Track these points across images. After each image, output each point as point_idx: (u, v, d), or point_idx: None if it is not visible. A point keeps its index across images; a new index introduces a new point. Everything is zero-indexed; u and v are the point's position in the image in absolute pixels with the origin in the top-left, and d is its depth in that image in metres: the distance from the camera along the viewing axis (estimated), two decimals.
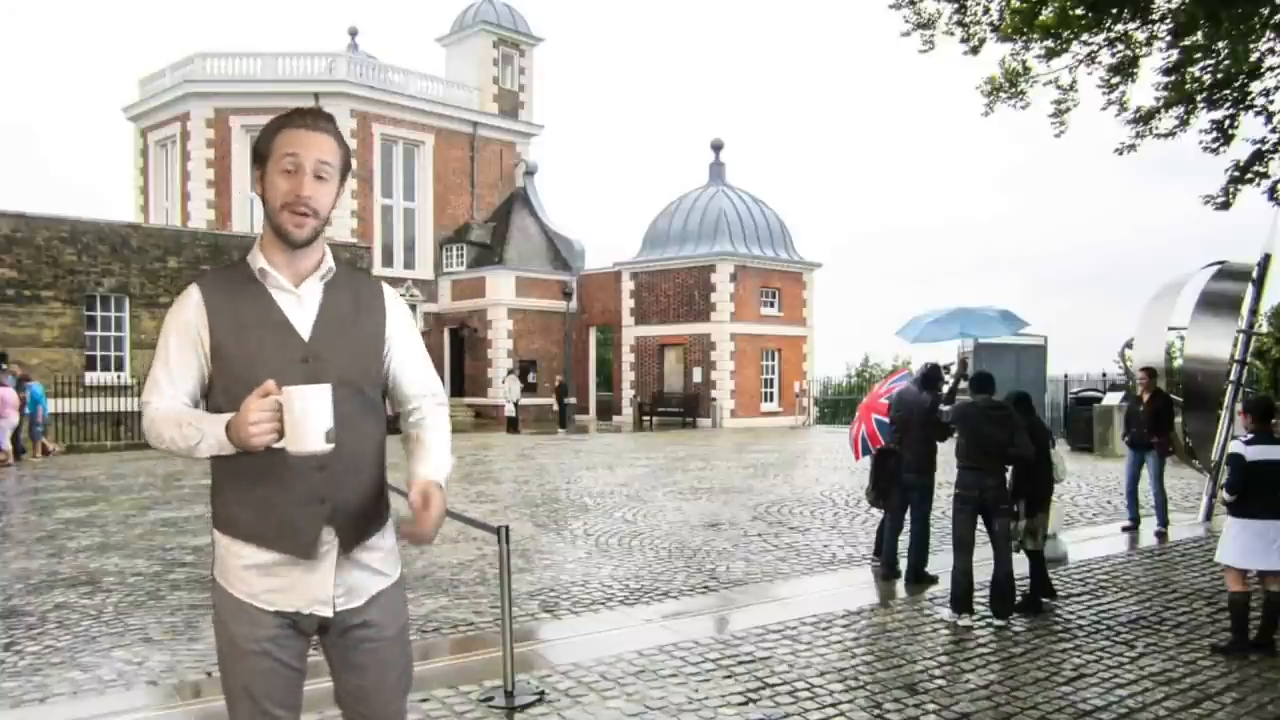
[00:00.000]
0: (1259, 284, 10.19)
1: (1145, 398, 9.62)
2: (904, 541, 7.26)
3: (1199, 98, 9.70)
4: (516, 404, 27.04)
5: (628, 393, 31.91)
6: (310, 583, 2.05)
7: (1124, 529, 9.47)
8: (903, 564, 7.20)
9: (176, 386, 2.04)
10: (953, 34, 9.72)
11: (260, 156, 2.06)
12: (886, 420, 7.48)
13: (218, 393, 2.04)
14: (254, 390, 1.89)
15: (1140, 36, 9.54)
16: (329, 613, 2.07)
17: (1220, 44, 8.93)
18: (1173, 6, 9.05)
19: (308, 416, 1.86)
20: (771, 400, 31.21)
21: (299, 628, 2.08)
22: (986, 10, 9.57)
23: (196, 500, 11.45)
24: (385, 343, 2.17)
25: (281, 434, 1.87)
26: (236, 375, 2.00)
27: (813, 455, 18.32)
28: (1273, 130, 9.68)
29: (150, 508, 10.86)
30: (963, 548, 6.07)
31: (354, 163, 31.17)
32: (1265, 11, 8.39)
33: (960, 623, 5.88)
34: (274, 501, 2.02)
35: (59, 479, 14.09)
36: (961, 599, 5.99)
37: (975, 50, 9.76)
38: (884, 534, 7.51)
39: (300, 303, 2.08)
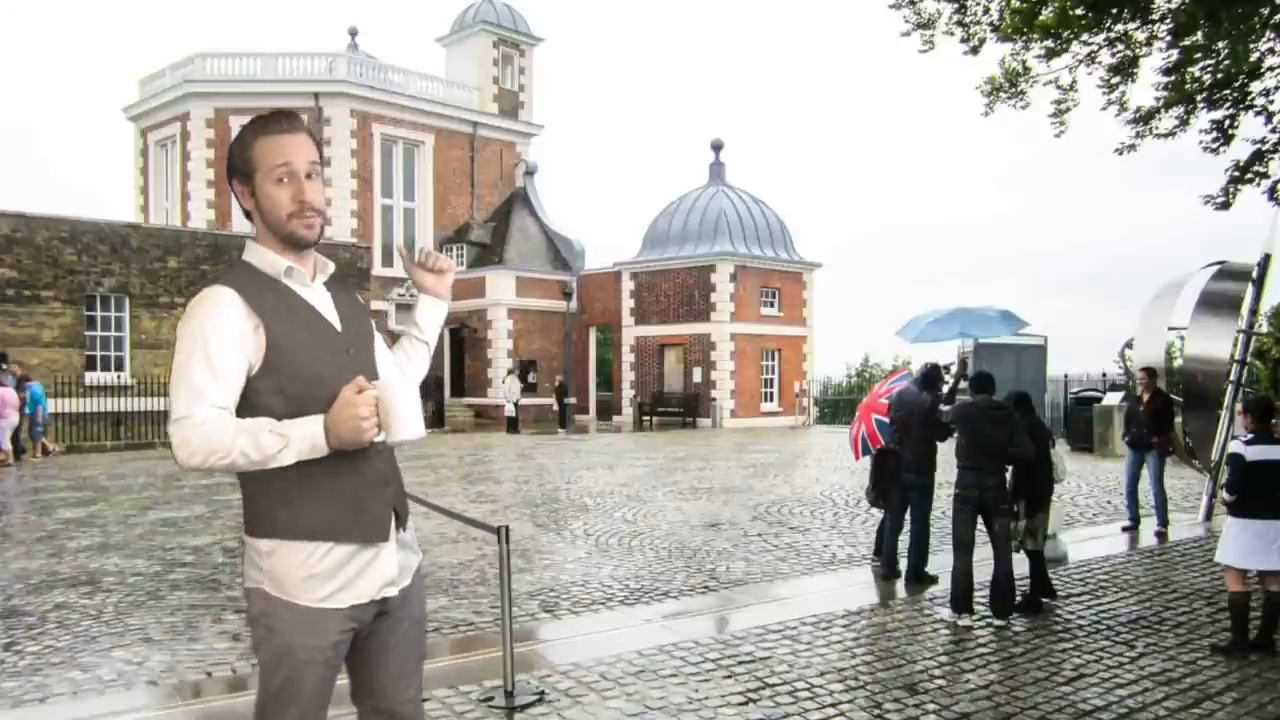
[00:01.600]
0: (1259, 284, 10.19)
1: (1145, 398, 9.62)
2: (904, 541, 7.26)
3: (1199, 98, 9.70)
4: (516, 404, 27.04)
5: (628, 393, 31.91)
6: (378, 567, 2.08)
7: (1124, 529, 9.47)
8: (903, 564, 7.20)
9: (226, 392, 1.92)
10: (953, 34, 9.73)
11: (244, 172, 2.05)
12: (886, 420, 7.48)
13: (268, 397, 1.96)
14: (318, 388, 1.96)
15: (1140, 36, 9.54)
16: (395, 592, 2.12)
17: (1220, 44, 8.94)
18: (1173, 6, 9.06)
19: (410, 406, 1.93)
20: (771, 400, 31.21)
21: (358, 624, 2.09)
22: (986, 10, 9.57)
23: (196, 500, 11.45)
24: (374, 336, 2.31)
25: (379, 427, 1.93)
26: (296, 373, 1.99)
27: (813, 455, 18.32)
28: (1273, 130, 9.68)
29: (150, 508, 10.86)
30: (963, 548, 6.07)
31: (354, 162, 31.24)
32: (1265, 11, 8.39)
33: (960, 623, 5.88)
34: (349, 491, 2.03)
35: (59, 479, 14.08)
36: (961, 599, 5.99)
37: (975, 50, 9.76)
38: (884, 534, 7.51)
39: (320, 297, 2.14)
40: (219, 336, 1.92)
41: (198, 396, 1.88)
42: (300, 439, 1.89)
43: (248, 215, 2.11)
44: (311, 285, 2.13)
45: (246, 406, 1.97)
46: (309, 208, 2.04)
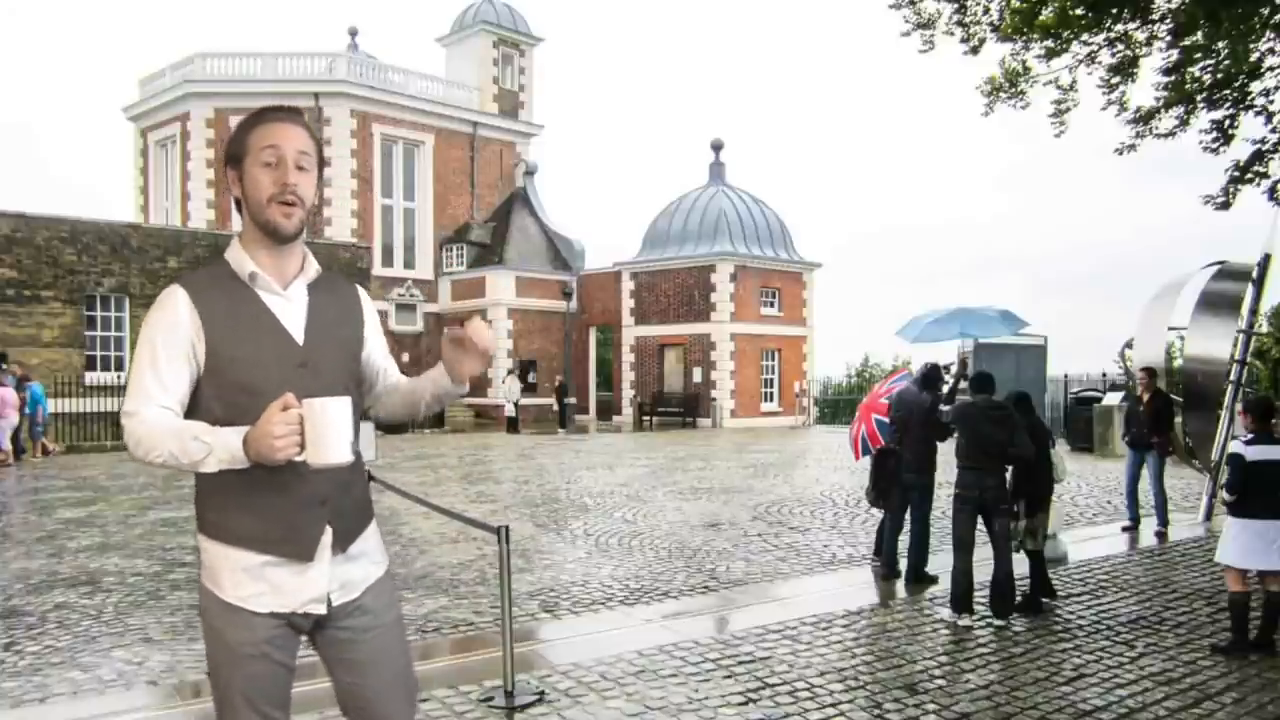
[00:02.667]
0: (1259, 284, 10.19)
1: (1145, 398, 9.62)
2: (904, 541, 7.26)
3: (1199, 98, 9.70)
4: (516, 404, 27.04)
5: (628, 393, 31.91)
6: (303, 583, 2.03)
7: (1124, 529, 9.46)
8: (903, 564, 7.20)
9: (169, 394, 1.94)
10: (953, 34, 9.73)
11: (235, 157, 2.03)
12: (886, 420, 7.47)
13: (210, 401, 1.97)
14: (260, 400, 1.87)
15: (1140, 36, 9.54)
16: (323, 610, 2.06)
17: (1220, 44, 8.93)
18: (1173, 6, 9.05)
19: (332, 430, 1.85)
20: (771, 400, 31.21)
21: (294, 626, 2.07)
22: (986, 10, 9.57)
23: None
24: (364, 345, 2.20)
25: (303, 446, 1.85)
26: (236, 383, 1.96)
27: (813, 455, 18.32)
28: (1273, 130, 9.68)
29: (150, 508, 10.86)
30: (963, 548, 6.07)
31: (354, 162, 31.24)
32: (1265, 11, 8.39)
33: (960, 623, 5.88)
34: (276, 506, 1.99)
35: (59, 479, 14.08)
36: (961, 599, 5.99)
37: (975, 50, 9.76)
38: (884, 534, 7.51)
39: (289, 306, 2.05)
40: (164, 338, 1.95)
41: (145, 395, 1.93)
42: (222, 448, 1.87)
43: (238, 205, 2.07)
44: (284, 291, 2.05)
45: (194, 406, 1.98)
46: (290, 191, 1.98)
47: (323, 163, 2.12)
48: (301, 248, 2.10)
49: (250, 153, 2.00)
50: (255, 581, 2.00)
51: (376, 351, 2.24)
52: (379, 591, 2.17)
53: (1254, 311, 10.40)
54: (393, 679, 2.17)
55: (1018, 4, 9.15)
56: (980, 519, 6.11)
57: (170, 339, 1.95)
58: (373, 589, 2.15)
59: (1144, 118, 9.98)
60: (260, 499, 1.98)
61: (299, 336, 2.04)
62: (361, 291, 2.27)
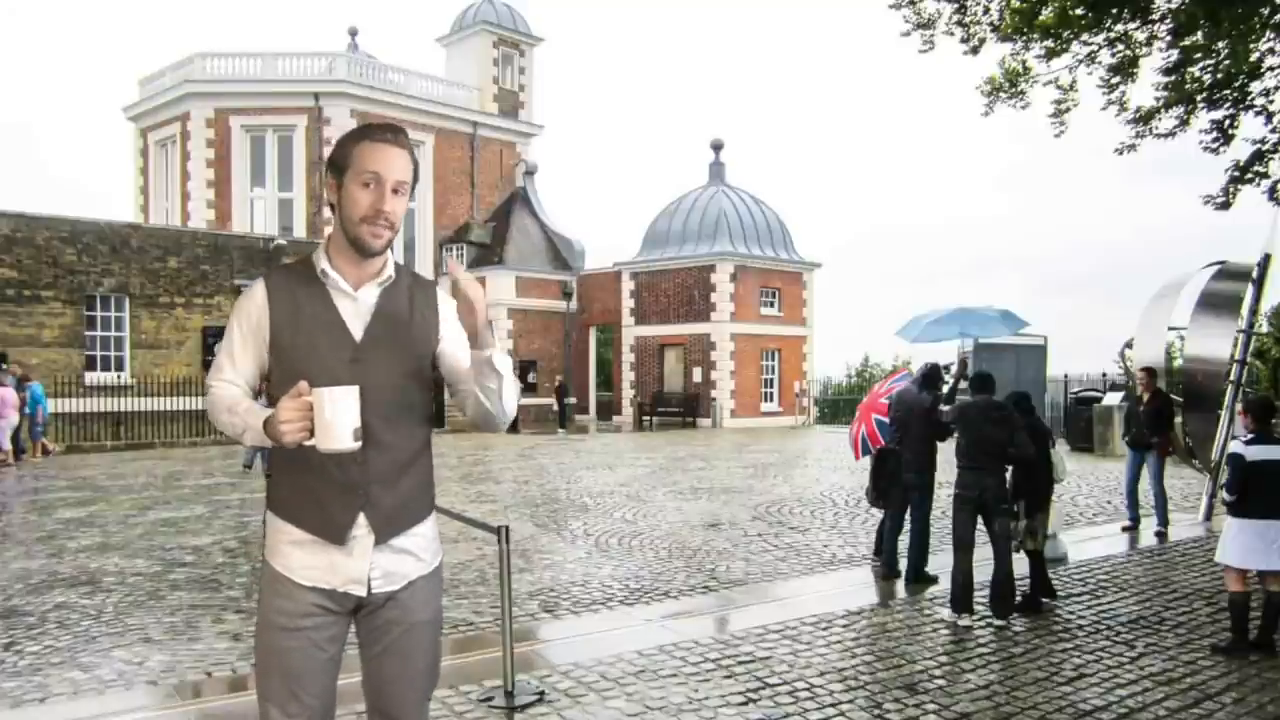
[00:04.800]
0: (1259, 284, 10.19)
1: (1145, 398, 9.62)
2: (904, 541, 7.26)
3: (1199, 98, 9.70)
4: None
5: (628, 393, 31.91)
6: (346, 565, 2.14)
7: (1124, 529, 9.46)
8: (903, 564, 7.20)
9: (238, 372, 2.17)
10: (953, 34, 9.74)
11: (338, 167, 2.14)
12: (886, 420, 7.48)
13: (275, 384, 2.16)
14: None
15: (1140, 36, 9.54)
16: (363, 591, 2.15)
17: (1220, 44, 8.95)
18: (1173, 6, 9.06)
19: (336, 416, 1.95)
20: (771, 400, 31.21)
21: (335, 608, 2.15)
22: (986, 10, 9.58)
23: (196, 500, 11.45)
24: (437, 341, 2.24)
25: (312, 432, 1.96)
26: (290, 369, 2.10)
27: (813, 455, 18.32)
28: (1273, 130, 9.69)
29: (150, 508, 10.86)
30: (963, 548, 6.07)
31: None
32: (1265, 11, 8.39)
33: (960, 623, 5.88)
34: (313, 488, 2.13)
35: (59, 479, 14.09)
36: (961, 599, 5.99)
37: (975, 50, 9.77)
38: (884, 534, 7.51)
39: (356, 305, 2.17)
40: (240, 324, 2.18)
41: (216, 370, 2.20)
42: (253, 427, 2.06)
43: (332, 208, 2.19)
44: (354, 292, 2.16)
45: (268, 389, 2.22)
46: (383, 217, 2.10)
47: (416, 181, 2.25)
48: (385, 255, 2.20)
49: (352, 168, 2.11)
50: (302, 555, 2.14)
51: (454, 347, 2.23)
52: (419, 590, 2.23)
53: (1254, 311, 10.40)
54: (411, 673, 2.24)
55: (1018, 4, 9.16)
56: (980, 519, 6.11)
57: (245, 323, 2.16)
58: (414, 586, 2.22)
59: (1144, 118, 9.98)
60: (304, 479, 2.13)
61: (357, 334, 2.15)
62: (442, 293, 2.30)
